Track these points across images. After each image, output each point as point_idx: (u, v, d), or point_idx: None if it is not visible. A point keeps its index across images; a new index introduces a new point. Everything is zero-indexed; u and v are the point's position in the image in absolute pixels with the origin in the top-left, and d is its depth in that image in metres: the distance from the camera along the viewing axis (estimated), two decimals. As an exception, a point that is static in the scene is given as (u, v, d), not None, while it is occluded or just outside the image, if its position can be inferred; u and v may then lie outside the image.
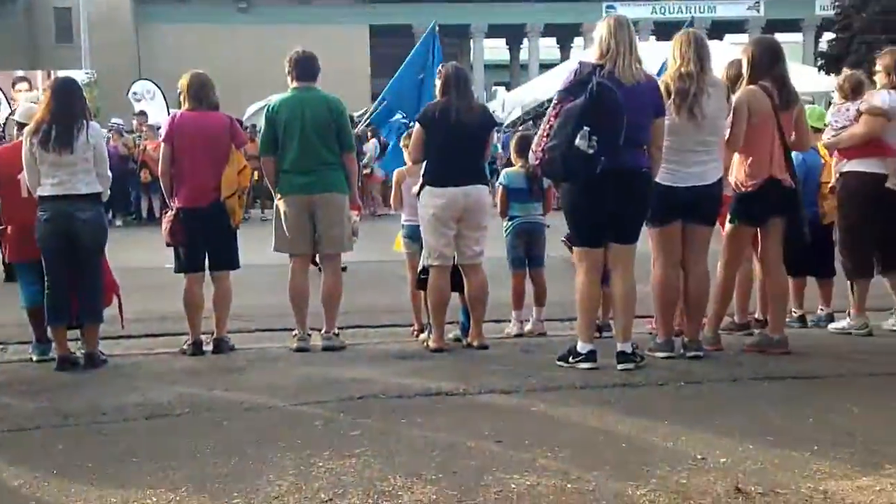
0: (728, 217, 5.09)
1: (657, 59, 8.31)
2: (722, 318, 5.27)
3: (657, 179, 4.73)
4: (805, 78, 19.84)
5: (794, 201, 5.00)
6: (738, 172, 4.98)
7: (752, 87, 4.89)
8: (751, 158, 4.90)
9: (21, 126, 5.38)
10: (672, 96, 4.67)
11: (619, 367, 4.60)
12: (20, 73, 22.18)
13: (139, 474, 3.21)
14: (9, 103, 17.26)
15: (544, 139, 4.54)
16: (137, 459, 3.37)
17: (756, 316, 5.78)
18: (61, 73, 21.24)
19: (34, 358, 5.24)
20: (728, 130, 4.88)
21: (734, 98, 4.93)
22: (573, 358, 4.70)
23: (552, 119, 4.52)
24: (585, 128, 4.35)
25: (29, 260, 5.15)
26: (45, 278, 5.00)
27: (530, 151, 4.70)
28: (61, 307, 5.01)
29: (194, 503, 2.95)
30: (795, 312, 5.98)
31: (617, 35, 4.54)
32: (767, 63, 4.93)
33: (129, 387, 4.54)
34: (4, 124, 14.20)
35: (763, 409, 3.94)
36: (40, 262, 5.02)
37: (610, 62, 4.51)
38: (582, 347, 4.70)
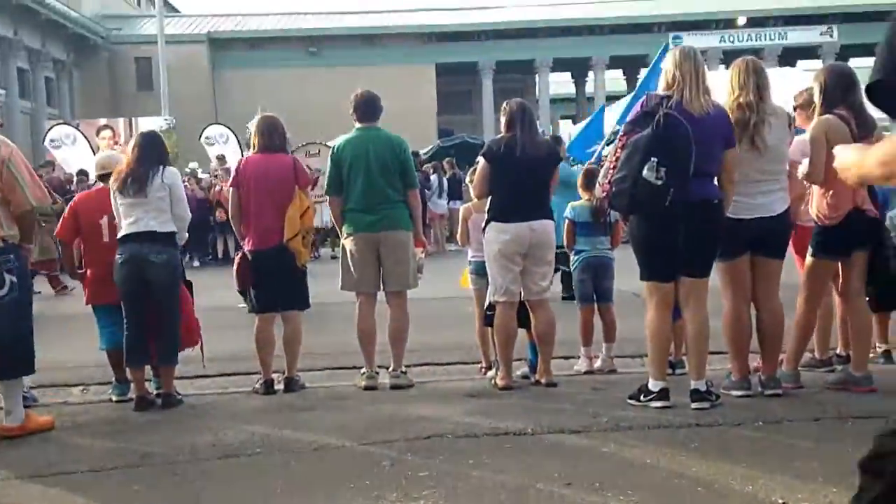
0: (810, 251, 4.92)
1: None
2: (802, 355, 5.08)
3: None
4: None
5: (877, 232, 4.83)
6: (818, 205, 4.82)
7: (827, 116, 4.75)
8: (833, 190, 4.73)
9: (101, 178, 5.64)
10: (732, 126, 4.58)
11: (693, 406, 4.47)
12: (103, 121, 23.21)
13: (211, 515, 3.25)
14: (93, 151, 18.03)
15: (611, 171, 4.49)
16: (210, 501, 3.41)
17: (838, 352, 5.55)
18: (142, 120, 22.30)
19: (113, 398, 5.39)
20: (794, 164, 4.76)
21: (809, 129, 4.80)
22: (645, 396, 4.59)
23: (619, 151, 4.48)
24: (653, 159, 4.30)
25: (107, 302, 5.33)
26: (124, 320, 5.17)
27: (597, 185, 4.66)
28: (139, 348, 5.16)
29: (264, 545, 2.96)
30: (880, 348, 5.72)
31: (683, 66, 4.48)
32: (841, 91, 4.78)
33: (202, 427, 4.62)
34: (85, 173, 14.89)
35: (847, 451, 3.73)
36: (118, 305, 5.20)
37: (677, 93, 4.45)
38: (654, 385, 4.58)
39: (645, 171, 4.30)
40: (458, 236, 5.93)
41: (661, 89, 4.59)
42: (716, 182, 4.54)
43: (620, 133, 4.55)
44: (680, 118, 4.36)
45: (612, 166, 4.51)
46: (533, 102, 38.17)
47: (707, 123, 4.42)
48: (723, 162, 4.50)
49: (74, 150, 18.21)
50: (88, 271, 5.49)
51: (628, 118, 4.59)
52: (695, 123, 4.36)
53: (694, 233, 4.45)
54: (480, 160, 5.40)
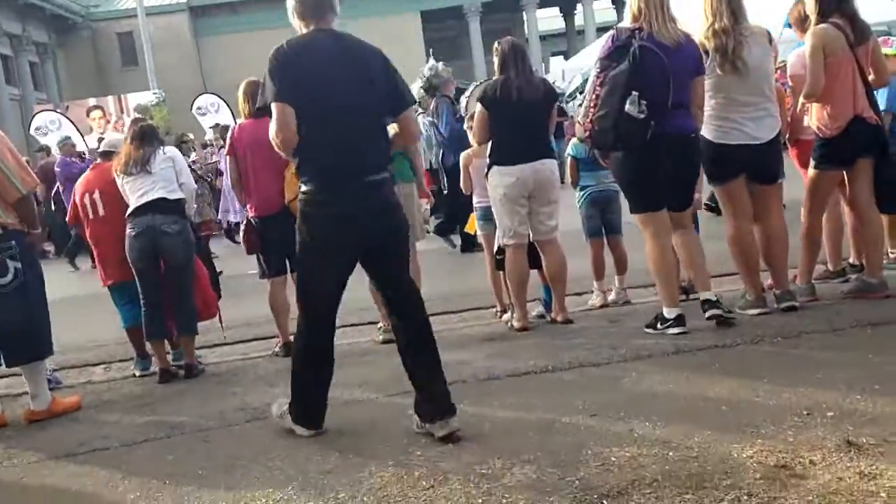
0: (812, 163, 4.89)
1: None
2: (813, 267, 5.09)
3: (710, 138, 4.65)
4: (877, 8, 18.84)
5: (881, 137, 4.79)
6: (818, 116, 4.78)
7: (822, 25, 4.68)
8: (833, 99, 4.68)
9: (103, 154, 5.74)
10: (711, 53, 4.52)
11: (707, 314, 4.54)
12: (93, 101, 23.00)
13: (246, 477, 3.30)
14: (80, 132, 17.87)
15: (592, 110, 4.46)
16: (244, 463, 3.47)
17: (851, 261, 5.56)
18: (131, 96, 22.08)
19: (137, 373, 5.45)
20: (795, 77, 4.71)
21: (806, 40, 4.73)
22: (661, 324, 4.62)
23: (597, 89, 4.44)
24: (634, 93, 4.29)
25: (121, 280, 5.35)
26: (141, 295, 5.20)
27: (576, 125, 4.64)
28: (158, 322, 5.21)
29: (302, 501, 3.02)
30: (892, 253, 5.72)
31: None
32: (835, 0, 4.70)
33: (228, 393, 4.68)
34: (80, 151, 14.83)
35: (868, 358, 3.78)
36: (132, 281, 5.23)
37: (646, 24, 4.41)
38: (669, 313, 4.60)
39: (627, 106, 4.29)
40: (462, 183, 5.89)
41: (628, 22, 4.56)
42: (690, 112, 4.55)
43: (597, 70, 4.49)
44: (656, 49, 4.34)
45: (591, 104, 4.47)
46: (522, 41, 37.67)
47: (680, 53, 4.42)
48: (693, 91, 4.50)
49: (60, 135, 18.06)
50: (95, 251, 5.52)
51: (601, 54, 4.54)
52: (668, 54, 4.36)
53: (677, 165, 4.50)
54: (477, 106, 5.34)
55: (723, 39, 4.53)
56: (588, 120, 4.50)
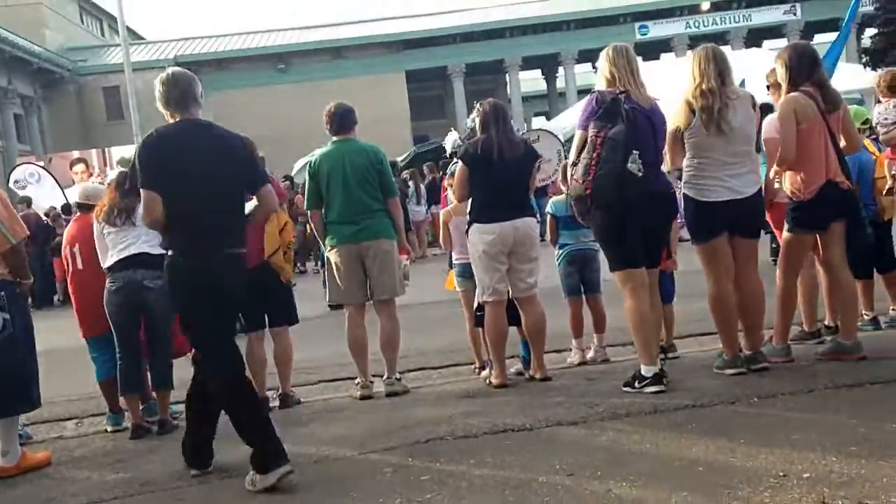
0: (785, 227, 4.97)
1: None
2: (788, 329, 5.12)
3: (695, 197, 4.77)
4: (851, 76, 19.40)
5: (853, 203, 4.89)
6: (791, 181, 4.87)
7: (794, 94, 4.81)
8: (806, 165, 4.79)
9: (80, 206, 5.65)
10: (697, 114, 4.64)
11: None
12: (76, 154, 23.02)
13: (216, 536, 3.24)
14: (59, 185, 17.81)
15: (593, 168, 4.54)
16: (214, 521, 3.40)
17: (826, 323, 5.61)
18: (115, 150, 22.11)
19: (109, 429, 5.36)
20: (769, 141, 4.83)
21: (777, 108, 4.86)
22: (639, 383, 4.62)
23: (598, 148, 4.52)
24: (635, 152, 4.44)
25: (100, 333, 5.30)
26: (117, 349, 5.14)
27: (573, 181, 4.70)
28: (135, 376, 5.16)
29: (272, 561, 2.95)
30: (867, 315, 5.79)
31: (618, 62, 4.68)
32: (807, 68, 4.85)
33: (200, 449, 4.59)
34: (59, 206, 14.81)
35: (843, 419, 3.79)
36: (110, 335, 5.18)
37: (622, 88, 4.60)
38: (646, 371, 4.61)
39: (629, 164, 4.43)
40: (441, 240, 5.93)
41: (601, 87, 4.72)
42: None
43: (595, 130, 4.57)
44: (643, 111, 4.53)
45: (593, 163, 4.54)
46: (505, 101, 38.22)
47: (654, 116, 4.62)
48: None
49: (40, 189, 17.85)
50: (75, 303, 5.48)
51: (589, 114, 4.63)
52: (647, 116, 4.55)
53: (657, 223, 4.67)
54: (458, 163, 5.41)
55: (709, 100, 4.65)
56: (590, 178, 4.56)
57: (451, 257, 5.94)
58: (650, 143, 4.56)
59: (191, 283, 3.81)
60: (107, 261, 5.16)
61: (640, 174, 4.43)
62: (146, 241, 5.12)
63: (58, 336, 10.05)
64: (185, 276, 3.82)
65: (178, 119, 3.93)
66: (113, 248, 5.15)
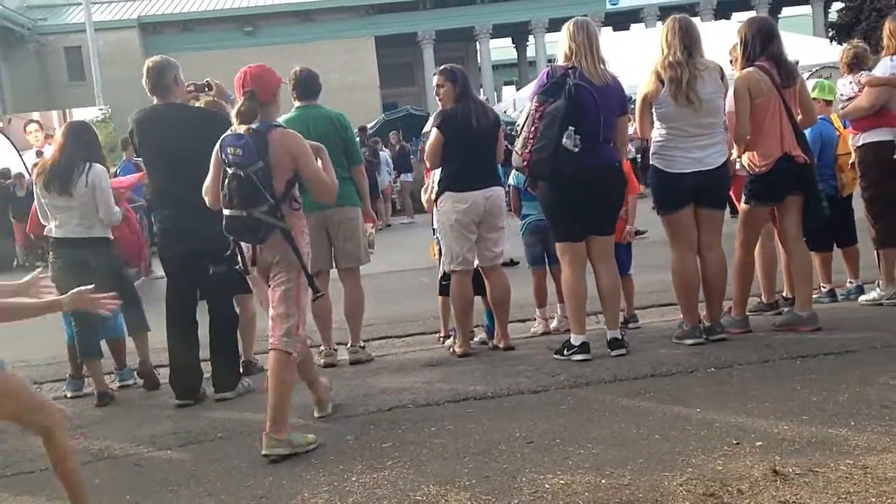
0: (743, 199, 5.03)
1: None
2: (746, 300, 5.21)
3: (661, 167, 4.80)
4: (818, 50, 19.57)
5: (809, 177, 4.95)
6: (748, 155, 4.93)
7: (748, 69, 4.85)
8: (761, 139, 4.84)
9: None
10: (666, 85, 4.66)
11: (613, 353, 4.72)
12: (34, 115, 22.46)
13: (177, 501, 3.23)
14: (16, 147, 17.36)
15: (531, 141, 4.63)
16: (174, 487, 3.40)
17: (784, 294, 5.71)
18: (76, 111, 21.60)
19: (68, 395, 5.31)
20: (730, 115, 4.87)
21: (732, 84, 4.90)
22: (567, 350, 4.74)
23: (536, 122, 4.62)
24: (570, 128, 4.50)
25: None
26: (71, 315, 5.06)
27: (513, 154, 4.77)
28: (90, 342, 5.10)
29: (232, 527, 2.96)
30: (824, 287, 5.90)
31: (577, 37, 4.68)
32: (761, 44, 4.89)
33: (161, 416, 4.59)
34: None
35: (797, 389, 3.88)
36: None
37: (577, 64, 4.62)
38: (575, 339, 4.77)
39: (564, 140, 4.51)
40: (426, 204, 5.84)
41: (560, 61, 4.74)
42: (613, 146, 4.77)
43: (535, 104, 4.65)
44: (589, 88, 4.56)
45: (530, 136, 4.63)
46: (475, 70, 38.05)
47: (607, 93, 4.64)
48: (617, 128, 4.74)
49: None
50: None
51: (536, 89, 4.72)
52: (597, 92, 4.58)
53: (603, 195, 4.71)
54: (434, 131, 5.35)
55: (678, 71, 4.67)
56: (527, 151, 4.61)
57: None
58: (594, 118, 4.56)
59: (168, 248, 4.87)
60: (46, 229, 5.05)
61: (577, 150, 4.49)
62: (80, 222, 4.98)
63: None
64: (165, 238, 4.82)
65: (156, 102, 4.74)
66: (52, 219, 5.03)
